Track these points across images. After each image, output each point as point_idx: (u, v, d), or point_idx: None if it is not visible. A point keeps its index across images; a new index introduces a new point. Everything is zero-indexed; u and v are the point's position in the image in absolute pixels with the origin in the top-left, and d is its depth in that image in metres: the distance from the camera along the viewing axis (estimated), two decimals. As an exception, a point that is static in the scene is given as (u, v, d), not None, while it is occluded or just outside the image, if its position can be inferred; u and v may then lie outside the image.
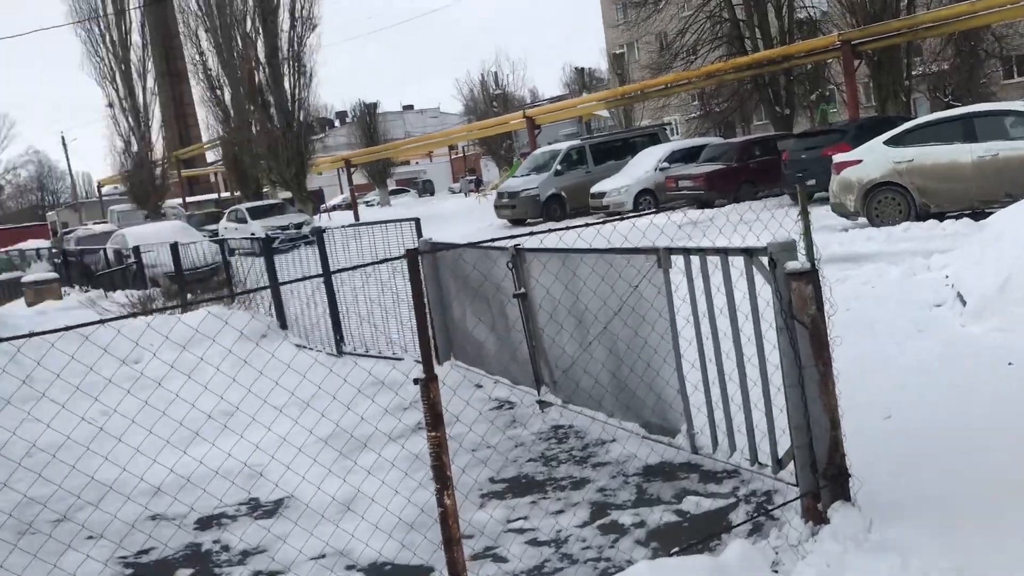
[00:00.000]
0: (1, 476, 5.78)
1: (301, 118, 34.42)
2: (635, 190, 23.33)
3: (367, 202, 59.37)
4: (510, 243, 6.60)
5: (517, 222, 26.23)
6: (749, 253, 4.34)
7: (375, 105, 57.99)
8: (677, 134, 44.43)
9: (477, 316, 7.51)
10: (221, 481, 5.57)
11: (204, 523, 5.56)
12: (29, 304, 18.71)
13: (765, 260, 4.19)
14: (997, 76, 38.86)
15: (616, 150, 26.86)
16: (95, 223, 46.58)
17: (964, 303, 7.60)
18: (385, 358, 9.09)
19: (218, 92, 37.35)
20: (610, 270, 5.43)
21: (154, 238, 19.07)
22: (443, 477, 3.19)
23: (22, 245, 44.90)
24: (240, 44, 34.16)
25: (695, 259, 4.82)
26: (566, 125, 55.15)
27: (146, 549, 5.22)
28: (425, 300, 3.75)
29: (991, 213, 10.62)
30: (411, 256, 3.11)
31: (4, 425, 5.64)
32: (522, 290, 6.53)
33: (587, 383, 5.97)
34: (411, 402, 7.16)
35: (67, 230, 45.84)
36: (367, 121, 56.84)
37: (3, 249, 44.77)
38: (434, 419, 3.15)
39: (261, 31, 33.47)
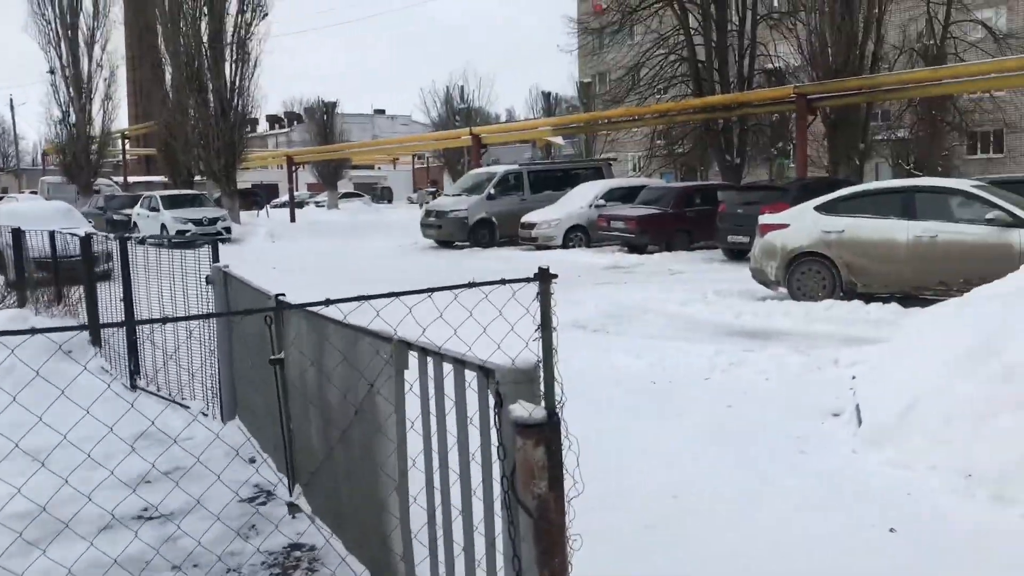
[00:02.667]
0: None
1: (239, 108, 32.51)
2: (566, 225, 21.80)
3: (317, 203, 57.42)
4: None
5: (444, 244, 24.64)
6: (485, 373, 2.84)
7: (333, 104, 56.08)
8: (636, 171, 43.28)
9: (252, 374, 5.94)
10: None
11: None
12: None
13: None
14: (960, 150, 38.16)
15: (557, 180, 25.21)
16: (31, 192, 44.18)
17: (860, 421, 6.19)
18: (174, 401, 7.51)
19: (158, 71, 35.45)
20: (354, 352, 3.89)
21: (26, 218, 17.19)
22: None
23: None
24: (185, 24, 32.25)
25: (431, 363, 3.30)
26: (528, 150, 53.67)
27: None
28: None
29: (925, 301, 9.31)
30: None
31: None
32: (280, 355, 4.97)
33: (328, 497, 4.43)
34: (168, 469, 5.54)
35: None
36: (323, 120, 54.94)
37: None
38: None
39: (207, 12, 31.57)
